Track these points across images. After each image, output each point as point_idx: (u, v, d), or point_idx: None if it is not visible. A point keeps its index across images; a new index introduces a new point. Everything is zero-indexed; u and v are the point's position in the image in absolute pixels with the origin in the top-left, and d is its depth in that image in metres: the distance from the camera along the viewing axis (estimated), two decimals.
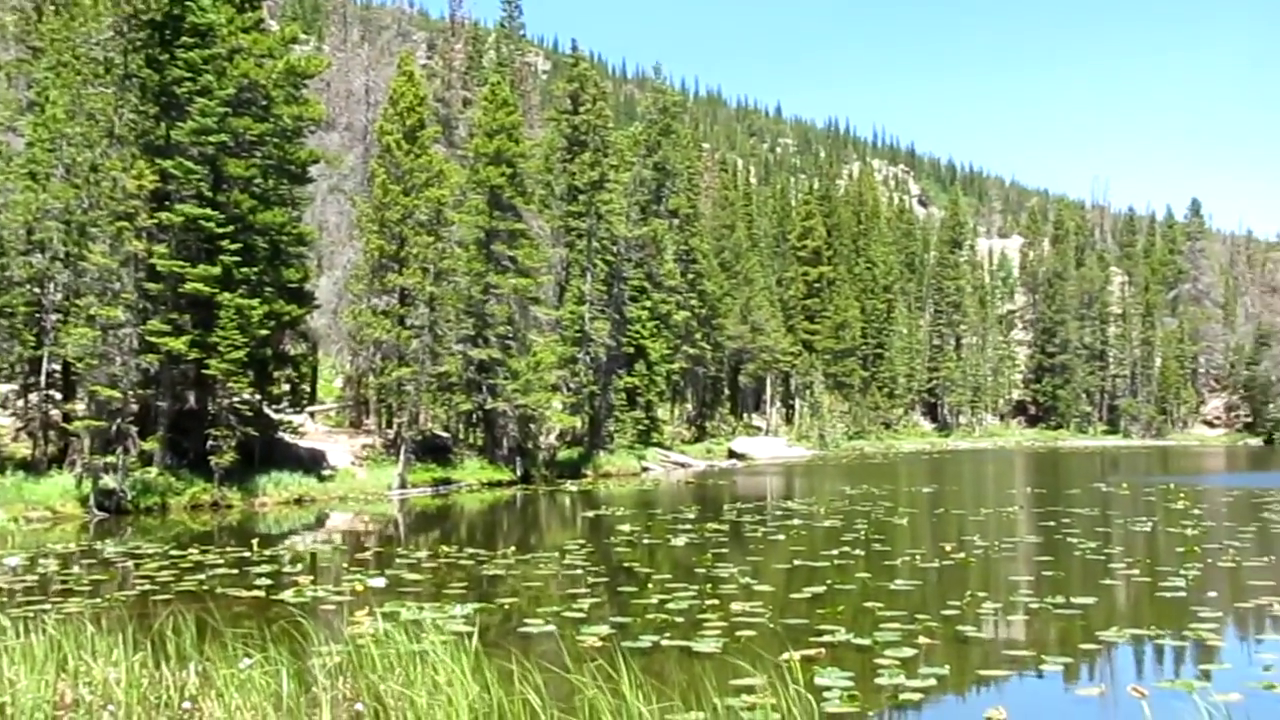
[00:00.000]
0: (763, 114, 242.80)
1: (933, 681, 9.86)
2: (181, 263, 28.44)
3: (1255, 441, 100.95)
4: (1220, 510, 29.15)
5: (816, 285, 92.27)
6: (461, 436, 41.38)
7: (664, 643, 11.59)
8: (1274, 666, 10.42)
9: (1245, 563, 17.80)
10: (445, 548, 20.46)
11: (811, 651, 10.88)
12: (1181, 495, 33.77)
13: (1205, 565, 17.45)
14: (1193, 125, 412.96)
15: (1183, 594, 14.69)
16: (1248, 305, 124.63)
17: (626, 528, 24.32)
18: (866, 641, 11.48)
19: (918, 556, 18.79)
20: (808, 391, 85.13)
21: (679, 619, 12.90)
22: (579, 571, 17.29)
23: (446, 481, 36.90)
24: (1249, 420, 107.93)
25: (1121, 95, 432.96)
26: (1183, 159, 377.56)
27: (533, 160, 45.99)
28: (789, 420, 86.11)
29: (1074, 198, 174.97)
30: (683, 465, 53.99)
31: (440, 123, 46.40)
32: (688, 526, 24.35)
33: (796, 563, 18.10)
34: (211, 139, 29.26)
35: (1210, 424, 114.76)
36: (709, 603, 13.95)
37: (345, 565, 18.17)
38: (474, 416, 40.90)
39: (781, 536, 22.30)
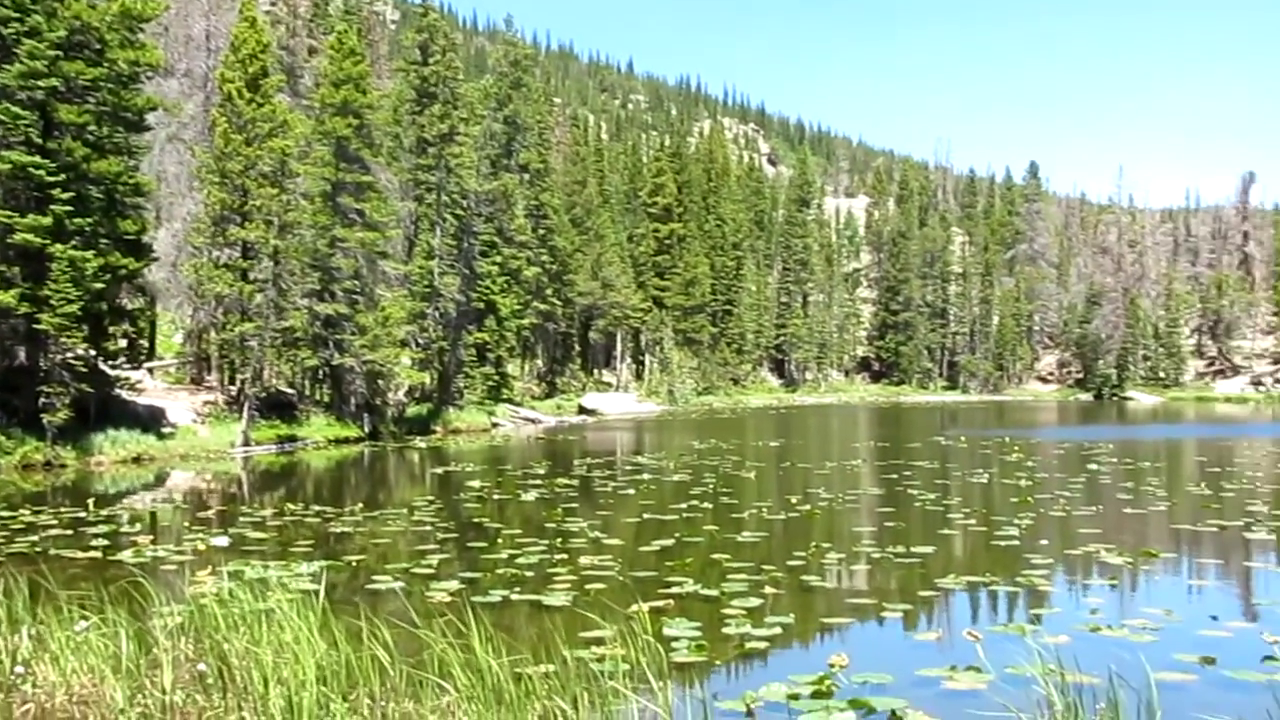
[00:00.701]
0: (615, 70, 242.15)
1: (778, 630, 10.05)
2: (9, 213, 27.18)
3: (1085, 396, 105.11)
4: (1052, 462, 30.25)
5: (667, 242, 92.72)
6: (308, 393, 40.62)
7: (514, 597, 11.59)
8: (1100, 610, 10.89)
9: (1075, 512, 18.53)
10: (291, 506, 20.12)
11: (660, 603, 11.00)
12: (1016, 448, 34.97)
13: (1037, 515, 18.11)
14: (1031, 91, 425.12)
15: (1016, 542, 15.23)
16: (1080, 266, 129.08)
17: (476, 484, 24.22)
18: (714, 592, 11.64)
19: (764, 509, 19.10)
20: (658, 348, 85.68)
21: (529, 574, 12.91)
22: (428, 528, 17.17)
23: (292, 439, 36.24)
24: (1080, 376, 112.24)
25: (964, 59, 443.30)
26: (1021, 123, 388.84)
27: (381, 112, 45.12)
28: (639, 376, 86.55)
29: (918, 159, 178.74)
30: (533, 421, 53.93)
31: (284, 71, 45.17)
32: (538, 482, 24.36)
33: (646, 516, 18.25)
34: (41, 83, 27.91)
35: (1044, 380, 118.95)
36: (559, 557, 14.00)
37: (187, 524, 17.71)
38: (320, 373, 40.20)
39: (631, 491, 22.46)
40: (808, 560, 13.81)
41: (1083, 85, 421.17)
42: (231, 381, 38.12)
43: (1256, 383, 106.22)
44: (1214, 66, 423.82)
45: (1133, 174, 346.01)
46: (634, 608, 8.98)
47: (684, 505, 19.53)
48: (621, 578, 12.57)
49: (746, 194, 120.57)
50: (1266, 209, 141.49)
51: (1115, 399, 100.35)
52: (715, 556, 14.08)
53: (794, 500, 20.32)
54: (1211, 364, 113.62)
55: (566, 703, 6.25)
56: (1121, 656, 7.94)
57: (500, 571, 13.07)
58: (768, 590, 11.81)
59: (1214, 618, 10.50)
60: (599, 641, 8.85)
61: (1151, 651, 8.81)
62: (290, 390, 39.78)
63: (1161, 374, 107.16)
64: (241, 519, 18.22)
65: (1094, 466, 27.93)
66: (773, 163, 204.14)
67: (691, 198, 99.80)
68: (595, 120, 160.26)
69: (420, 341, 46.34)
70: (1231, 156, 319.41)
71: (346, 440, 38.01)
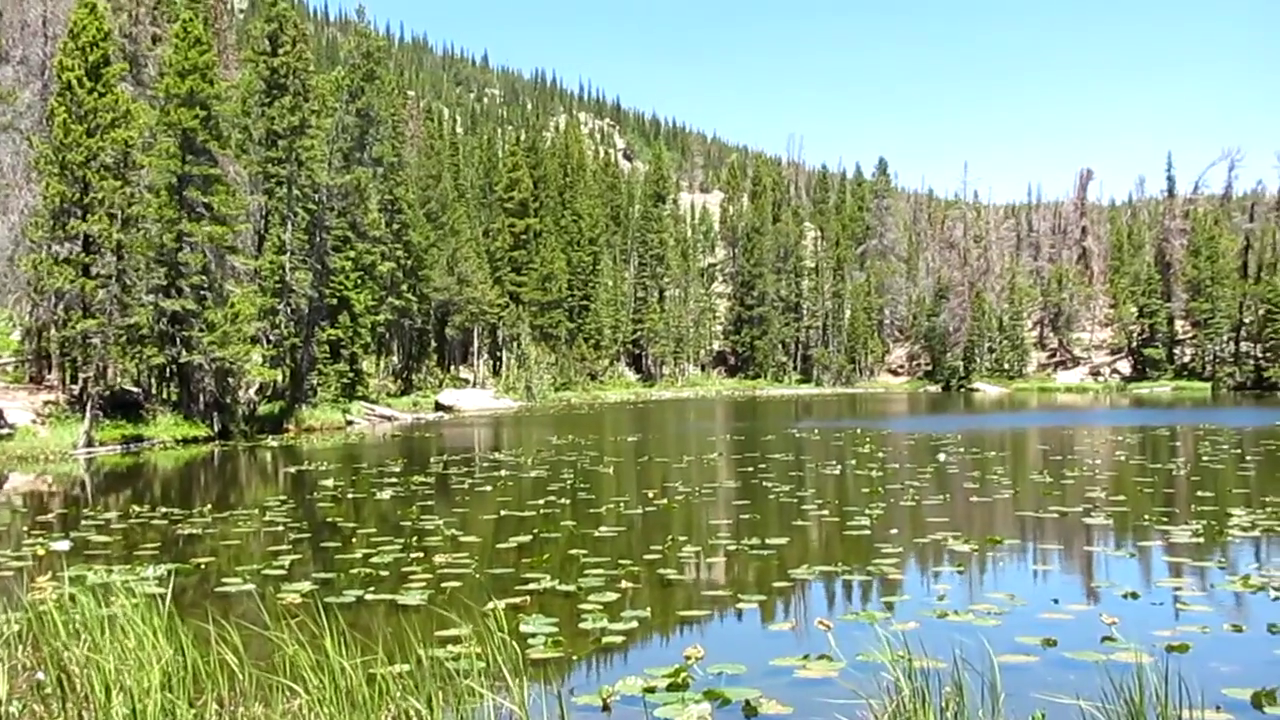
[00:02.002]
0: (469, 62, 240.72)
1: (635, 624, 10.10)
2: None
3: (934, 388, 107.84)
4: (902, 453, 30.94)
5: (523, 237, 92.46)
6: (154, 391, 39.52)
7: (369, 597, 11.44)
8: (947, 596, 11.18)
9: (924, 501, 18.99)
10: (137, 508, 19.55)
11: (517, 600, 10.97)
12: (868, 439, 35.70)
13: (888, 505, 18.52)
14: (880, 88, 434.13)
15: (868, 532, 15.55)
16: (928, 260, 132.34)
17: (330, 483, 23.84)
18: (571, 588, 11.65)
19: (622, 504, 19.18)
20: (515, 343, 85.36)
21: (384, 573, 12.76)
22: (280, 528, 16.84)
23: (138, 439, 35.23)
24: (929, 368, 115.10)
25: (815, 56, 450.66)
26: (871, 120, 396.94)
27: (229, 103, 44.02)
28: (496, 372, 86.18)
29: (771, 155, 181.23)
30: (389, 418, 53.28)
31: (127, 60, 43.71)
32: (393, 480, 24.08)
33: (503, 513, 18.18)
34: None
35: (894, 372, 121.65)
36: (415, 556, 13.86)
37: (25, 529, 17.07)
38: (167, 370, 39.15)
39: (488, 488, 22.35)
40: (665, 554, 13.90)
41: (929, 83, 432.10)
42: (73, 380, 36.84)
43: (1095, 373, 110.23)
44: (1053, 66, 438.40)
45: (977, 170, 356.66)
46: (490, 605, 8.95)
47: (541, 501, 19.50)
48: (478, 575, 12.50)
49: (603, 189, 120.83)
50: (1103, 205, 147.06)
51: (963, 390, 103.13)
52: (573, 552, 14.09)
53: (651, 494, 20.42)
54: (1053, 355, 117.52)
55: (421, 703, 6.18)
56: (967, 641, 8.17)
57: (355, 571, 12.89)
58: (625, 585, 11.86)
59: (1055, 601, 10.87)
60: (455, 640, 8.80)
61: (996, 635, 9.07)
62: (136, 389, 38.64)
63: (1006, 365, 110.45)
64: (84, 522, 17.65)
65: (942, 456, 28.65)
66: (629, 158, 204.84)
67: (547, 193, 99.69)
68: (450, 114, 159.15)
69: (272, 338, 45.42)
70: (1070, 154, 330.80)
71: (195, 440, 37.09)
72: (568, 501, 19.62)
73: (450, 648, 8.41)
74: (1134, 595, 11.15)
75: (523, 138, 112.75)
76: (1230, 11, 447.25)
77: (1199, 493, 19.85)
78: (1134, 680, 5.74)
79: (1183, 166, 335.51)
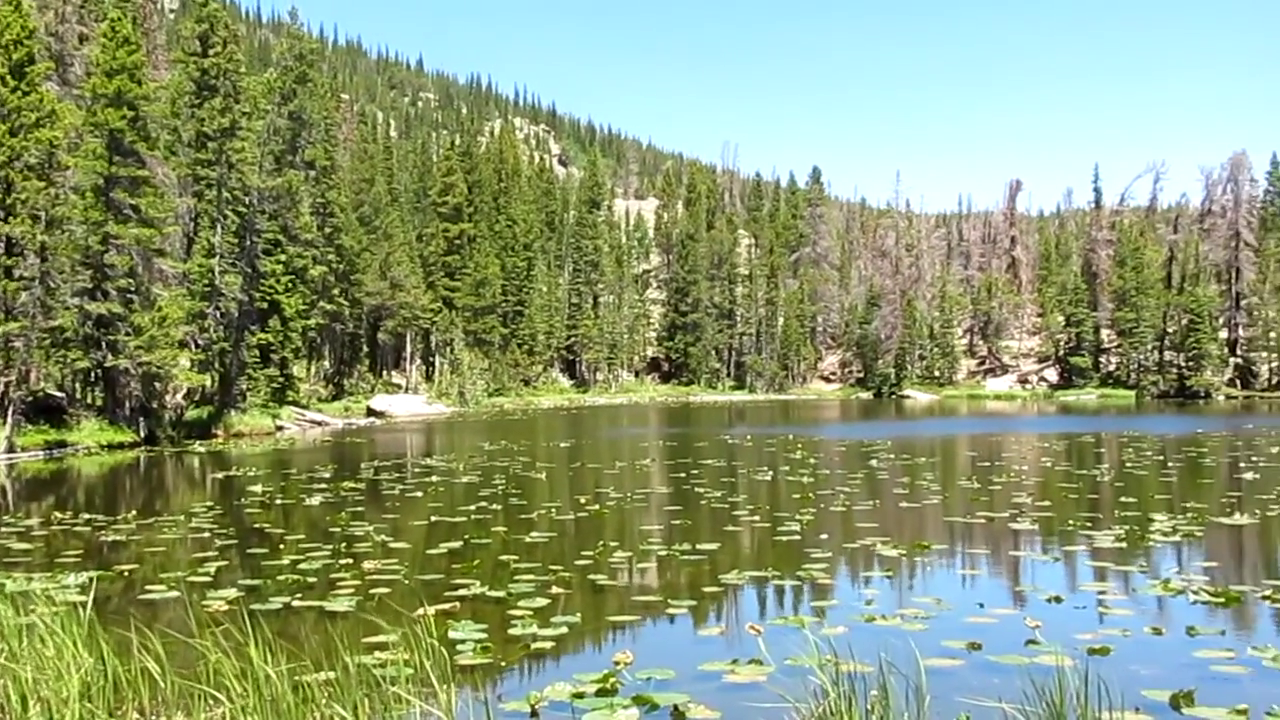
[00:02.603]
0: (404, 66, 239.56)
1: (565, 630, 10.09)
2: None
3: (866, 395, 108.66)
4: (834, 459, 31.17)
5: (457, 242, 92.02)
6: (79, 396, 38.90)
7: (296, 604, 11.34)
8: (875, 601, 11.29)
9: (854, 507, 19.15)
10: (59, 514, 19.22)
11: (447, 606, 10.92)
12: (800, 446, 35.94)
13: (819, 510, 18.66)
14: (814, 97, 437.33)
15: (798, 538, 15.65)
16: (861, 268, 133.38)
17: (259, 488, 23.59)
18: (501, 594, 11.61)
19: (554, 510, 19.15)
20: (448, 349, 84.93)
21: (312, 579, 12.66)
22: (207, 535, 16.64)
23: (61, 444, 34.66)
24: (861, 376, 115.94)
25: (750, 64, 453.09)
26: (805, 129, 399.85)
27: (158, 104, 43.43)
28: (429, 377, 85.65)
29: (706, 162, 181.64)
30: (320, 424, 52.81)
31: (53, 58, 43.05)
32: (323, 486, 23.87)
33: (434, 519, 18.09)
34: None
35: (827, 379, 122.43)
36: (343, 562, 13.76)
37: None
38: (93, 375, 38.53)
39: (419, 494, 22.22)
40: (596, 559, 13.90)
41: (863, 92, 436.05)
42: None
43: (1023, 380, 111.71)
44: (985, 77, 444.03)
45: (910, 180, 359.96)
46: (420, 611, 8.91)
47: (473, 507, 19.42)
48: (408, 581, 12.43)
49: (537, 194, 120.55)
50: (1032, 215, 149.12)
51: (894, 397, 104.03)
52: (504, 558, 14.04)
53: (583, 500, 20.42)
54: (982, 363, 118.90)
55: (347, 710, 6.12)
56: (894, 644, 8.24)
57: (282, 578, 12.76)
58: (555, 590, 11.85)
59: (981, 605, 11.00)
60: (383, 647, 8.72)
61: (922, 639, 9.16)
62: (60, 393, 37.99)
63: (937, 372, 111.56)
64: (4, 529, 17.34)
65: (873, 463, 28.91)
66: (564, 164, 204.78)
67: (482, 198, 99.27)
68: (384, 117, 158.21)
69: (200, 342, 44.85)
70: (1001, 165, 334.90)
71: (121, 445, 36.54)
72: (499, 507, 19.56)
73: (378, 654, 8.33)
74: (1058, 599, 11.31)
75: (457, 142, 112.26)
76: (1159, 24, 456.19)
77: (1122, 498, 20.18)
78: (1055, 683, 5.82)
79: (1110, 179, 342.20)
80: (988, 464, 28.63)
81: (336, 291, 65.07)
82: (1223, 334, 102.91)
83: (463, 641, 9.47)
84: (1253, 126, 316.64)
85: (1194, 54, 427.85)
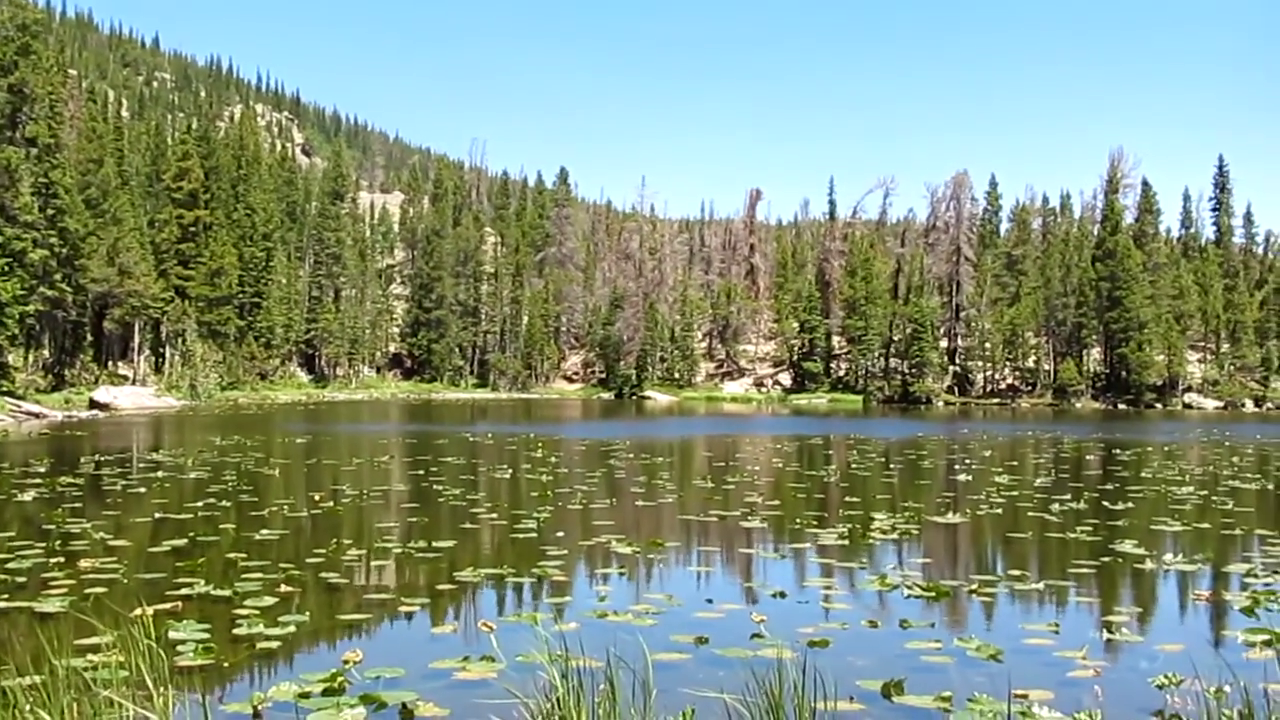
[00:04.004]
0: (139, 44, 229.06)
1: (293, 629, 9.83)
2: None
3: (607, 395, 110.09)
4: (574, 458, 31.42)
5: (192, 229, 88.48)
6: None
7: (2, 605, 10.69)
8: (609, 598, 11.43)
9: (592, 505, 19.35)
10: None
11: (168, 606, 10.50)
12: (540, 444, 36.09)
13: (557, 508, 18.76)
14: (563, 99, 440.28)
15: (534, 535, 15.71)
16: (605, 270, 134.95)
17: None
18: (227, 593, 11.23)
19: (287, 507, 18.64)
20: (180, 340, 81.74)
21: (22, 579, 11.94)
22: None
23: None
24: (603, 376, 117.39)
25: (499, 62, 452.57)
26: (553, 129, 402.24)
27: None
28: (159, 369, 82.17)
29: (454, 158, 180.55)
30: (37, 416, 49.91)
31: None
32: (38, 481, 22.55)
33: (159, 516, 17.34)
34: None
35: (570, 379, 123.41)
36: (57, 560, 13.03)
37: None
38: None
39: (144, 489, 21.26)
40: (329, 558, 13.61)
41: (612, 96, 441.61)
42: None
43: (759, 384, 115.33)
44: (728, 87, 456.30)
45: (655, 185, 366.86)
46: (138, 611, 8.53)
47: (201, 504, 18.71)
48: (127, 580, 11.88)
49: (279, 184, 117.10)
50: (771, 224, 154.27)
51: (635, 398, 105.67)
52: (231, 556, 13.59)
53: (318, 497, 19.97)
54: (720, 366, 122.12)
55: (54, 715, 5.81)
56: (625, 640, 8.37)
57: None
58: (284, 589, 11.52)
59: (710, 601, 11.28)
60: (96, 649, 8.32)
61: (652, 634, 9.34)
62: None
63: (677, 374, 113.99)
64: None
65: (612, 462, 29.29)
66: (307, 153, 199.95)
67: (220, 185, 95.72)
68: (116, 96, 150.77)
69: None
70: (742, 174, 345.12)
71: None
72: (229, 504, 18.90)
73: (91, 657, 7.94)
74: (783, 594, 11.71)
75: (195, 126, 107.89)
76: (889, 48, 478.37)
77: (847, 498, 21.07)
78: (775, 674, 6.02)
79: (844, 192, 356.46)
80: (723, 464, 29.41)
81: (59, 277, 61.72)
82: (943, 343, 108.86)
83: (184, 642, 9.12)
84: (974, 148, 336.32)
85: (919, 77, 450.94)
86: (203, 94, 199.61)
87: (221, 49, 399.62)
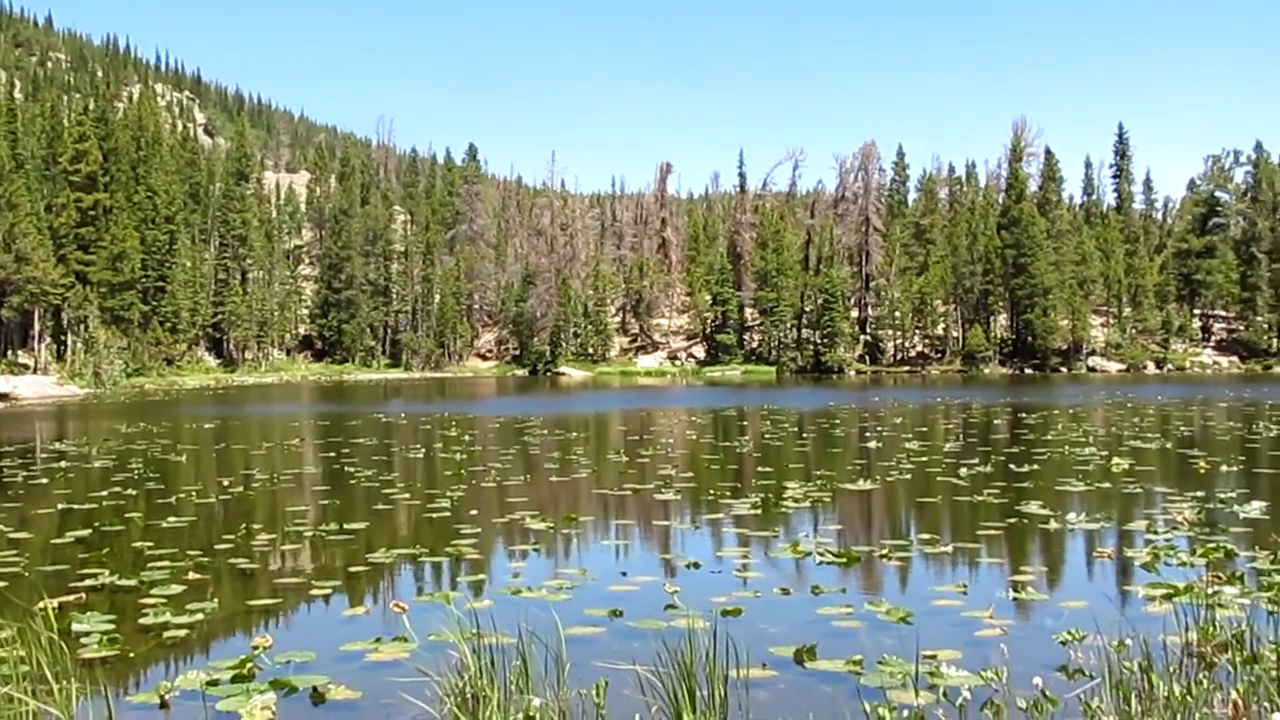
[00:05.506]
0: (31, 23, 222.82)
1: (200, 617, 9.68)
2: None
3: (522, 372, 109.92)
4: (488, 436, 31.30)
5: (92, 213, 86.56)
6: None
7: None
8: (523, 574, 11.40)
9: (505, 482, 19.28)
10: None
11: (71, 598, 10.28)
12: (454, 423, 35.90)
13: (470, 486, 18.68)
14: (469, 73, 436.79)
15: (448, 514, 15.62)
16: (517, 247, 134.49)
17: None
18: (133, 582, 11.02)
19: (195, 493, 18.35)
20: (82, 326, 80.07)
21: None
22: None
23: None
24: (517, 353, 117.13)
25: (405, 36, 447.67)
26: (461, 105, 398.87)
27: None
28: (61, 357, 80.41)
29: (361, 136, 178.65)
30: None
31: None
32: None
33: (61, 506, 16.99)
34: None
35: (484, 356, 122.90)
36: None
37: None
38: None
39: (47, 480, 20.81)
40: (238, 543, 13.42)
41: (520, 71, 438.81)
42: None
43: (673, 357, 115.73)
44: (635, 60, 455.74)
45: (565, 160, 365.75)
46: (40, 604, 8.36)
47: (106, 493, 18.35)
48: (29, 574, 11.61)
49: (181, 165, 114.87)
50: (682, 198, 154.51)
51: (549, 374, 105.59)
52: (138, 545, 13.34)
53: (228, 483, 19.68)
54: (634, 340, 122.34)
55: None
56: (538, 616, 8.37)
57: None
58: (192, 576, 11.34)
59: (624, 574, 11.30)
60: None
61: (566, 609, 9.33)
62: None
63: (590, 350, 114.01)
64: None
65: (527, 438, 29.23)
66: (210, 134, 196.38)
67: (119, 167, 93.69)
68: (8, 78, 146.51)
69: None
70: (652, 148, 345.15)
71: None
72: (135, 492, 18.56)
73: None
74: (697, 565, 11.75)
75: (92, 107, 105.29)
76: (804, 21, 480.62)
77: (761, 468, 21.23)
78: (687, 644, 6.04)
79: (753, 164, 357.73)
80: (637, 438, 29.46)
81: None
82: (854, 313, 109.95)
83: (88, 634, 8.94)
84: (881, 119, 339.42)
85: (827, 50, 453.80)
86: (99, 74, 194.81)
87: (118, 28, 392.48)
